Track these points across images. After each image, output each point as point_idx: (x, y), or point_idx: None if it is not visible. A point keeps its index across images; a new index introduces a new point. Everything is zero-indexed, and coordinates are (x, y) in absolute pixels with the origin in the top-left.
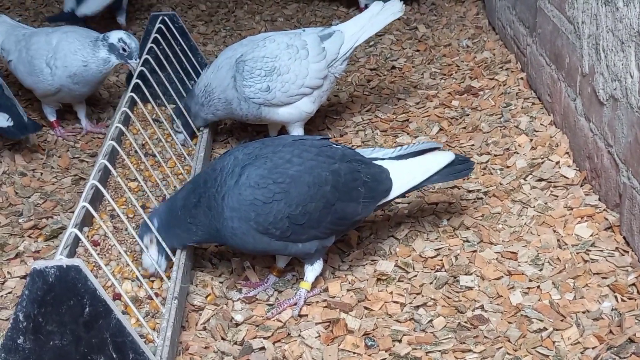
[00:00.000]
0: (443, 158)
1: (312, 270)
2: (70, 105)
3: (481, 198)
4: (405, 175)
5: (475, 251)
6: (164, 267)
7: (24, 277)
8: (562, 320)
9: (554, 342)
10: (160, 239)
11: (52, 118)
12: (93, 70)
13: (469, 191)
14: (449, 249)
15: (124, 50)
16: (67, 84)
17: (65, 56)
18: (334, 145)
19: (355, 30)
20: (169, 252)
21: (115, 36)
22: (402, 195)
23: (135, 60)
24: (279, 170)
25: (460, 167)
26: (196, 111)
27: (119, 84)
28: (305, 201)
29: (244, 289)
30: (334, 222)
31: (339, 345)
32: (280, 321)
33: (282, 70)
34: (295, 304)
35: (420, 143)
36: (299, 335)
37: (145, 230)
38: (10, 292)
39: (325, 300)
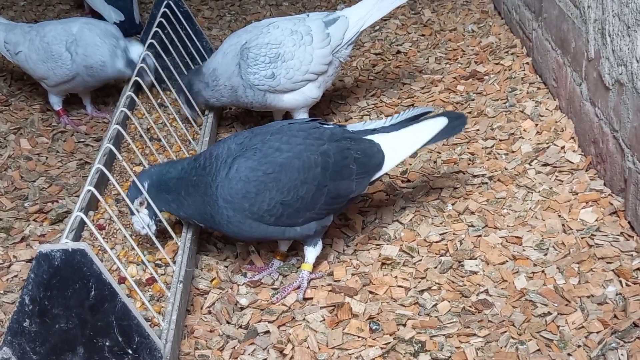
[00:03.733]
0: (435, 125)
1: (311, 252)
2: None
3: (486, 183)
4: (398, 146)
5: (480, 236)
6: (154, 230)
7: (29, 261)
8: (566, 305)
9: (558, 327)
10: (151, 202)
11: (57, 107)
12: (107, 73)
13: (474, 176)
14: (454, 234)
15: (143, 69)
16: (82, 74)
17: (87, 45)
18: (323, 126)
19: (361, 15)
20: (159, 214)
21: (135, 52)
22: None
23: (149, 77)
24: (268, 160)
25: (453, 124)
26: (198, 89)
27: None
28: (297, 186)
29: (249, 273)
30: (328, 202)
31: (343, 329)
32: (285, 305)
33: (286, 56)
34: (298, 287)
35: (413, 109)
36: (304, 319)
37: (135, 192)
38: (16, 276)
39: (330, 285)
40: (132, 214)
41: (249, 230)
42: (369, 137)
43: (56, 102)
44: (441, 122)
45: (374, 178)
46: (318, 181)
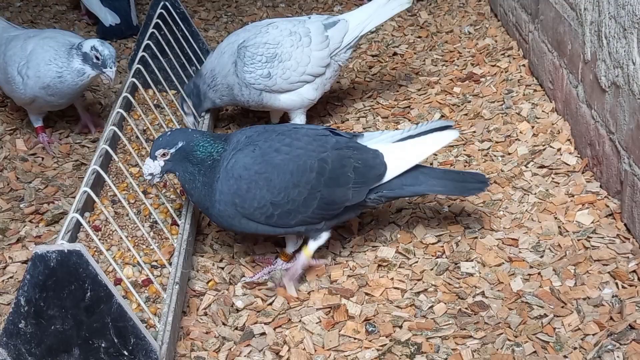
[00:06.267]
0: (443, 138)
1: (314, 241)
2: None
3: None
4: (402, 158)
5: (476, 238)
6: (156, 181)
7: (25, 262)
8: (562, 307)
9: (554, 329)
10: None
11: (37, 124)
12: (69, 82)
13: None
14: (450, 236)
15: (97, 58)
16: (41, 95)
17: (38, 65)
18: (331, 135)
19: (361, 19)
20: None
21: (88, 44)
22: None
23: (111, 68)
24: (264, 159)
25: (470, 185)
26: (204, 91)
27: (120, 69)
28: (288, 187)
29: (247, 276)
30: (322, 207)
31: (339, 331)
32: (287, 300)
33: (283, 57)
34: (289, 270)
35: (432, 122)
36: (300, 320)
37: (165, 142)
38: (11, 277)
39: (326, 286)
40: (151, 157)
41: (239, 226)
42: (376, 146)
43: (35, 119)
44: (450, 135)
45: (374, 187)
46: (311, 185)
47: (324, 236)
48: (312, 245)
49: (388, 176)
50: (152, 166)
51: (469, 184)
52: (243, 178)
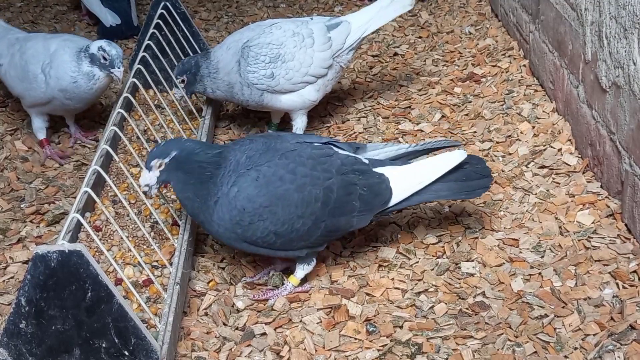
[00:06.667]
0: (451, 159)
1: (302, 269)
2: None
3: None
4: (407, 184)
5: (476, 238)
6: (154, 193)
7: (26, 262)
8: (563, 307)
9: (555, 329)
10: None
11: (41, 136)
12: (83, 87)
13: None
14: (451, 236)
15: (105, 59)
16: (59, 97)
17: (59, 66)
18: (335, 154)
19: (363, 21)
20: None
21: (95, 45)
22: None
23: (118, 68)
24: (268, 190)
25: (476, 183)
26: (203, 75)
27: None
28: (293, 219)
29: (247, 276)
30: (325, 235)
31: (340, 331)
32: (289, 300)
33: (286, 57)
34: (273, 292)
35: (440, 140)
36: (301, 320)
37: (161, 152)
38: (12, 277)
39: (327, 287)
40: (146, 167)
41: (237, 246)
42: (381, 169)
43: (39, 130)
44: (459, 157)
45: (380, 211)
46: (316, 216)
47: (313, 263)
48: (300, 274)
49: (393, 201)
50: (148, 177)
51: (473, 182)
52: (247, 211)
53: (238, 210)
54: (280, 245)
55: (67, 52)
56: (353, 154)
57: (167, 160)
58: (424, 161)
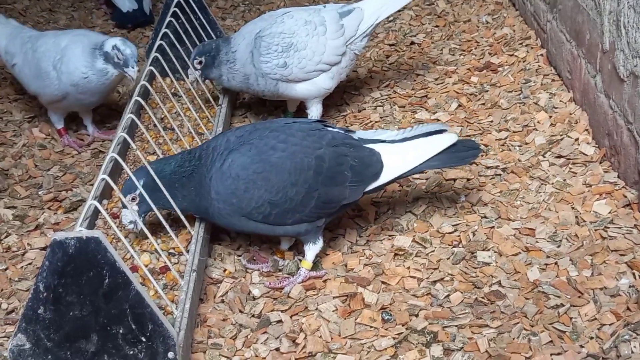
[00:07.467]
0: (442, 141)
1: (310, 249)
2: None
3: (499, 174)
4: (399, 158)
5: (493, 227)
6: (140, 227)
7: (44, 249)
8: (579, 297)
9: (571, 318)
10: (146, 196)
11: (59, 126)
12: (95, 82)
13: (488, 167)
14: (467, 225)
15: (118, 58)
16: (72, 92)
17: (69, 61)
18: (325, 129)
19: (376, 7)
20: (154, 209)
21: (109, 44)
22: (402, 177)
23: (132, 67)
24: (261, 158)
25: (464, 154)
26: (222, 60)
27: (138, 58)
28: (286, 187)
29: (248, 262)
30: (319, 206)
31: (355, 319)
32: (292, 298)
33: (299, 46)
34: (289, 280)
35: (427, 125)
36: (316, 308)
37: (129, 187)
38: (30, 264)
39: (342, 275)
40: (124, 207)
41: (238, 224)
42: (371, 145)
43: (57, 120)
44: (449, 139)
45: (370, 188)
46: (309, 184)
47: (320, 242)
48: (310, 255)
49: (386, 175)
50: (129, 214)
51: (462, 153)
52: (241, 178)
53: (232, 178)
54: (275, 218)
55: (79, 47)
56: (343, 131)
57: (137, 191)
58: (416, 141)
